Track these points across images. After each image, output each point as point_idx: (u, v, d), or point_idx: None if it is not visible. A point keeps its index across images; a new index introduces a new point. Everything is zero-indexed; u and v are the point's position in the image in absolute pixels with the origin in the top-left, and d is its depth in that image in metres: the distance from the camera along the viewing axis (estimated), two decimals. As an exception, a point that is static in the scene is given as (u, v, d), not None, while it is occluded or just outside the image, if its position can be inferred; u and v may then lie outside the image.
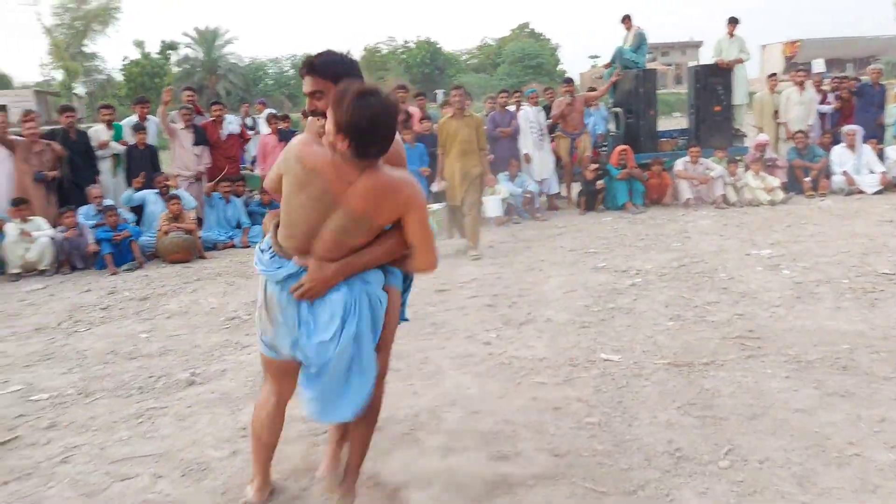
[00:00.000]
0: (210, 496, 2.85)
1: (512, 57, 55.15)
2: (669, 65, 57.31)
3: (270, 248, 2.50)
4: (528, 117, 10.23)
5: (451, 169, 7.39)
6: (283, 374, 2.60)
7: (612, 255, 7.17)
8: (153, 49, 49.27)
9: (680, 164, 10.10)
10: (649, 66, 12.18)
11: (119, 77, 52.23)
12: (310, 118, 2.58)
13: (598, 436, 3.27)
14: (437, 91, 38.50)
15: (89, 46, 54.34)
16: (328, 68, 2.46)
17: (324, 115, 2.44)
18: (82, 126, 9.58)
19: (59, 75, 54.98)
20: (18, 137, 8.24)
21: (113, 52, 66.04)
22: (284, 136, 9.48)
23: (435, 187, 7.97)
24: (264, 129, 10.22)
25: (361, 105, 2.21)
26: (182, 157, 8.95)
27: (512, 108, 10.40)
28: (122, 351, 4.87)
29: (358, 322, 2.40)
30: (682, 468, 2.92)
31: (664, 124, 14.09)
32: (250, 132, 10.84)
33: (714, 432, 3.22)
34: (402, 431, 3.40)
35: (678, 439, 3.16)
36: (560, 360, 4.28)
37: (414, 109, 10.04)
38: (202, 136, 9.04)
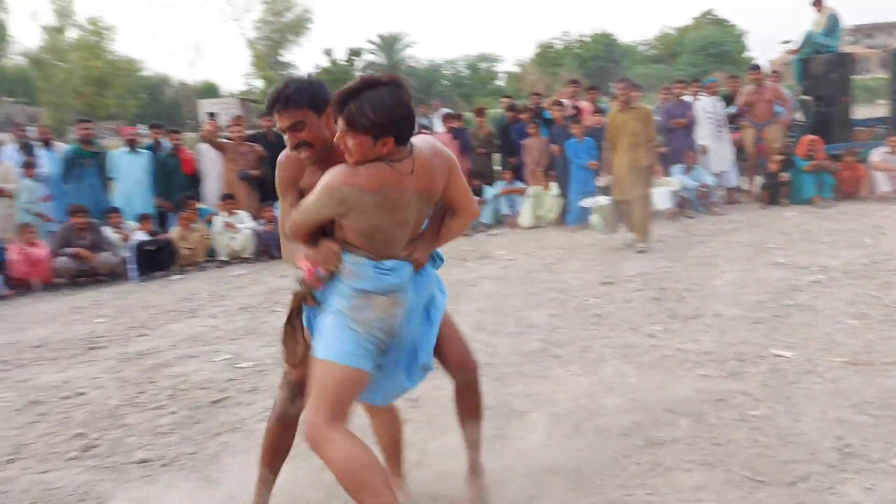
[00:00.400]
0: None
1: (694, 46, 52.74)
2: (874, 48, 51.97)
3: (363, 262, 2.31)
4: (706, 108, 9.89)
5: (619, 163, 7.33)
6: (363, 387, 2.33)
7: (794, 250, 6.81)
8: (340, 56, 52.47)
9: (877, 155, 9.31)
10: (846, 49, 11.28)
11: (311, 84, 56.18)
12: (282, 155, 2.43)
13: (761, 428, 3.21)
14: (612, 84, 37.87)
15: (285, 56, 58.82)
16: (302, 95, 2.31)
17: (309, 145, 2.32)
18: (278, 129, 10.57)
19: (259, 84, 60.19)
20: (227, 140, 9.30)
21: (305, 60, 71.37)
22: (457, 135, 9.90)
23: (601, 182, 7.96)
24: (439, 127, 10.69)
25: (381, 97, 2.11)
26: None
27: (689, 98, 10.09)
28: (311, 329, 5.42)
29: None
30: (848, 464, 2.82)
31: (864, 112, 12.95)
32: (426, 131, 11.36)
33: (889, 431, 3.05)
34: (559, 413, 3.53)
35: (848, 436, 3.04)
36: (727, 355, 4.20)
37: (584, 104, 10.06)
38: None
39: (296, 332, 2.41)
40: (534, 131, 9.80)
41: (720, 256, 6.81)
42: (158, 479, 3.18)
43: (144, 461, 3.35)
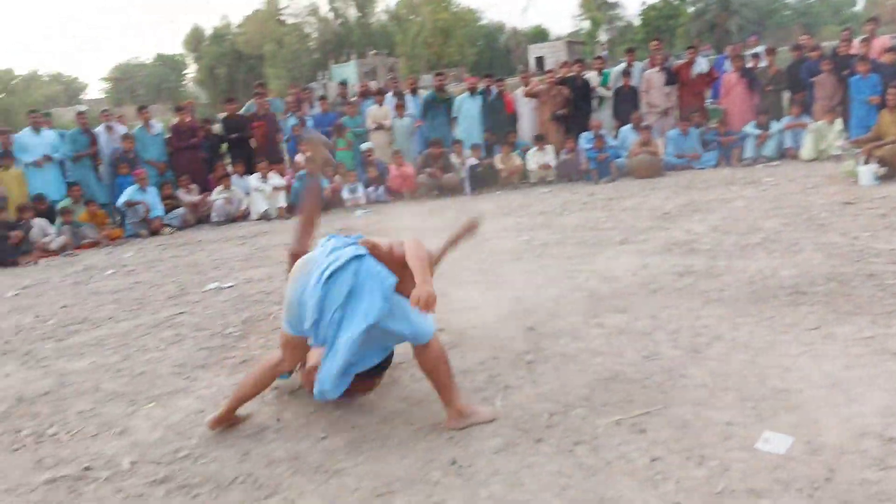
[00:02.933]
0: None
1: None
2: None
3: None
4: None
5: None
6: (293, 347, 3.19)
7: None
8: (673, -9, 51.56)
9: None
10: None
11: (637, 22, 56.33)
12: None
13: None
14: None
15: (614, -6, 59.23)
16: None
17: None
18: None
19: (586, 25, 61.77)
20: (541, 87, 11.44)
21: (633, -1, 71.25)
22: (745, 74, 10.83)
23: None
24: (728, 67, 11.60)
25: None
26: (654, 96, 11.12)
27: None
28: (587, 225, 7.40)
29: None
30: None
31: None
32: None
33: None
34: (743, 279, 5.06)
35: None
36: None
37: (880, 40, 10.23)
38: (672, 77, 11.05)
39: None
40: (827, 68, 10.30)
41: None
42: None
43: (472, 281, 5.67)
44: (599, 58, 12.11)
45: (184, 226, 10.07)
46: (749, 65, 11.18)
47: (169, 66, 73.38)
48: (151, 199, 9.94)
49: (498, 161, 10.88)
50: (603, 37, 64.19)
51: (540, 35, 65.39)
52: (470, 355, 4.08)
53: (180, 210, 10.11)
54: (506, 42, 68.06)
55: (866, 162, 7.93)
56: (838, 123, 10.05)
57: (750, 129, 10.60)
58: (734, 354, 3.73)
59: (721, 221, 6.94)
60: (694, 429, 2.97)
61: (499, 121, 11.49)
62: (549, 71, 11.50)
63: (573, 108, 11.17)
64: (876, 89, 9.28)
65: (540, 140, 10.89)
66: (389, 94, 11.98)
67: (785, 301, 4.47)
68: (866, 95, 9.39)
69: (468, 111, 11.56)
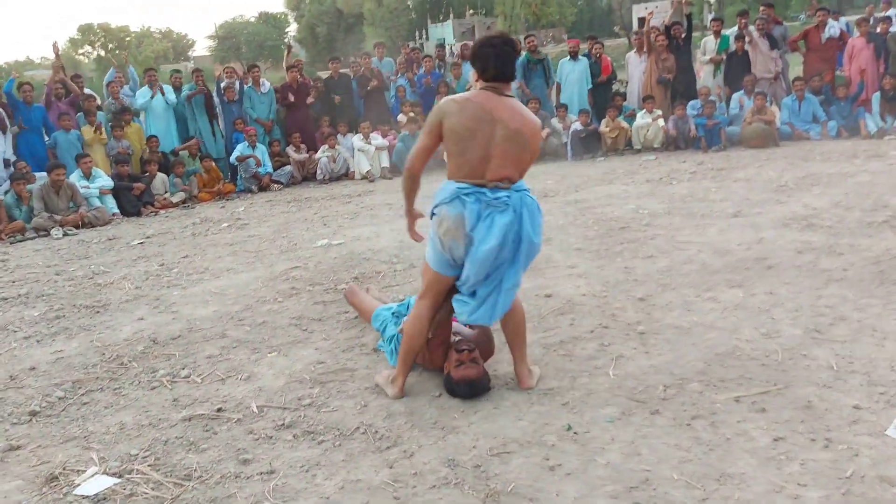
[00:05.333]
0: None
1: None
2: None
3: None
4: None
5: None
6: (444, 288, 3.17)
7: None
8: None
9: None
10: None
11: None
12: None
13: None
14: None
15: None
16: None
17: None
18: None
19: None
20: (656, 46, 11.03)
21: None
22: (872, 38, 10.11)
23: None
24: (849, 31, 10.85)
25: (480, 41, 3.04)
26: (761, 61, 10.57)
27: None
28: (696, 196, 7.18)
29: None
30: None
31: None
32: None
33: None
34: (868, 257, 4.82)
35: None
36: None
37: None
38: (774, 42, 10.48)
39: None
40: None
41: None
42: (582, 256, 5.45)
43: (578, 248, 5.64)
44: (718, 20, 11.52)
45: (291, 183, 10.41)
46: (877, 30, 10.43)
47: (271, 24, 74.77)
48: (260, 156, 10.29)
49: (603, 125, 10.64)
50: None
51: (645, -7, 62.87)
52: (579, 323, 4.08)
53: (288, 167, 10.45)
54: (608, 0, 65.84)
55: None
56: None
57: (875, 98, 9.93)
58: (860, 337, 3.58)
59: (843, 196, 6.59)
60: (818, 411, 2.89)
61: (603, 85, 11.21)
62: (658, 33, 11.03)
63: (677, 73, 10.76)
64: None
65: (648, 101, 10.55)
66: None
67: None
68: None
69: (568, 75, 11.29)
